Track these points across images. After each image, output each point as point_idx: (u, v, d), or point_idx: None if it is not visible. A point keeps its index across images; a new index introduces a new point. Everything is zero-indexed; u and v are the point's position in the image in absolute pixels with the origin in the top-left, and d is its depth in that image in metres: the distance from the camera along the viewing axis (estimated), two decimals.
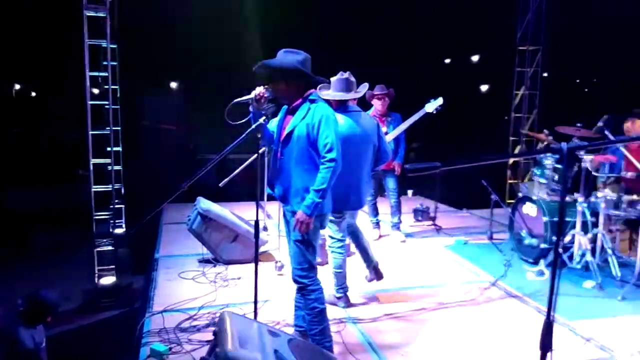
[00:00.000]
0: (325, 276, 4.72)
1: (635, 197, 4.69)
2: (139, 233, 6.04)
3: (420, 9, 10.84)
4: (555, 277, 1.49)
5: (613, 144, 3.94)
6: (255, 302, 3.04)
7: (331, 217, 3.69)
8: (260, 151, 3.36)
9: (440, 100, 5.37)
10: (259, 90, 2.94)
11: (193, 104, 11.43)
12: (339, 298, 4.06)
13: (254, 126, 2.66)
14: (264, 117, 2.77)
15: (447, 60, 15.55)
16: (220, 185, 4.72)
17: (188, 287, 4.40)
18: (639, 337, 3.58)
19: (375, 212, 6.15)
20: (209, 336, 3.15)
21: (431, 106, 5.38)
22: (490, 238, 6.02)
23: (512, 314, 4.00)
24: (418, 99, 5.55)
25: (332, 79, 3.80)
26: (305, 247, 3.05)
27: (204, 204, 4.88)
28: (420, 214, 7.04)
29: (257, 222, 2.93)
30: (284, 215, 3.24)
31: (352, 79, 3.85)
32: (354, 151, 3.70)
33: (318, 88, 3.54)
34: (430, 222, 6.78)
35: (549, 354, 1.58)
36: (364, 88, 4.02)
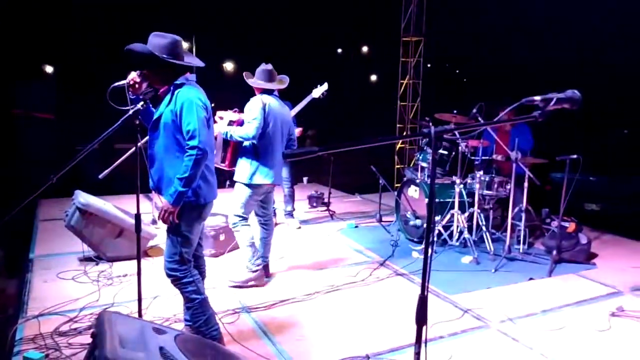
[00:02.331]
0: (224, 266, 4.67)
1: (505, 177, 5.16)
2: (9, 232, 5.47)
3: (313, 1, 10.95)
4: (427, 257, 1.57)
5: (477, 127, 4.29)
6: (139, 300, 2.89)
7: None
8: (143, 141, 3.18)
9: (325, 86, 5.54)
10: (133, 75, 2.78)
11: (72, 90, 10.54)
12: (253, 271, 4.19)
13: (130, 112, 2.49)
14: (142, 103, 2.60)
15: (339, 50, 15.88)
16: (100, 177, 4.41)
17: (68, 288, 4.09)
18: (509, 305, 3.95)
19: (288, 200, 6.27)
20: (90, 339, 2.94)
21: (317, 91, 5.54)
22: (380, 220, 6.30)
23: (399, 291, 4.22)
24: (310, 89, 5.64)
25: (257, 69, 4.22)
26: (178, 238, 2.93)
27: (82, 197, 4.53)
28: (315, 200, 7.18)
29: (137, 215, 2.77)
30: None
31: (274, 70, 4.26)
32: (281, 131, 4.20)
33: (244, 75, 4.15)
34: (325, 208, 6.93)
35: (424, 327, 1.67)
36: (287, 79, 4.37)
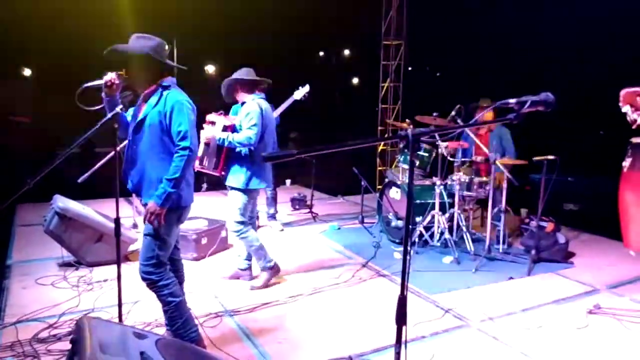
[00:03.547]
0: (206, 270, 4.64)
1: (484, 178, 5.24)
2: None
3: (294, 2, 10.94)
4: (406, 258, 1.59)
5: (455, 129, 4.39)
6: (120, 305, 2.87)
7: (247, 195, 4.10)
8: (122, 144, 3.16)
9: (307, 87, 5.58)
10: (110, 76, 2.75)
11: (50, 92, 10.35)
12: (271, 268, 4.28)
13: (109, 116, 2.47)
14: (120, 107, 2.58)
15: (321, 54, 15.91)
16: (79, 181, 4.35)
17: (47, 294, 4.02)
18: (489, 304, 4.01)
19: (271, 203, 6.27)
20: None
21: (299, 93, 5.58)
22: (362, 222, 6.33)
23: (382, 292, 4.25)
24: (291, 92, 5.66)
25: (238, 72, 4.18)
26: (156, 241, 2.90)
27: (61, 202, 4.47)
28: (298, 202, 7.19)
29: (117, 219, 2.74)
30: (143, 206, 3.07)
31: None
32: (272, 134, 4.28)
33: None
34: (307, 210, 6.94)
35: (404, 327, 1.69)
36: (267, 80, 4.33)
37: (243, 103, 4.18)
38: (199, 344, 3.07)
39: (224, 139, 3.97)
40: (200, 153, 4.04)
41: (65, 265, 4.60)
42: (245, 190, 4.08)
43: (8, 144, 9.34)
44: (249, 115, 4.01)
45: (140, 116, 2.88)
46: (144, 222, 2.88)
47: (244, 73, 4.17)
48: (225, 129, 4.03)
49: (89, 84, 2.70)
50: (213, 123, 4.09)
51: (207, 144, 4.06)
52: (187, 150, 2.79)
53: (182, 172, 2.78)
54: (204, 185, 8.22)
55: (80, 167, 4.81)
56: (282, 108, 5.62)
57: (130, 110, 3.06)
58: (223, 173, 4.10)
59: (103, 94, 2.78)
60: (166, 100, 2.83)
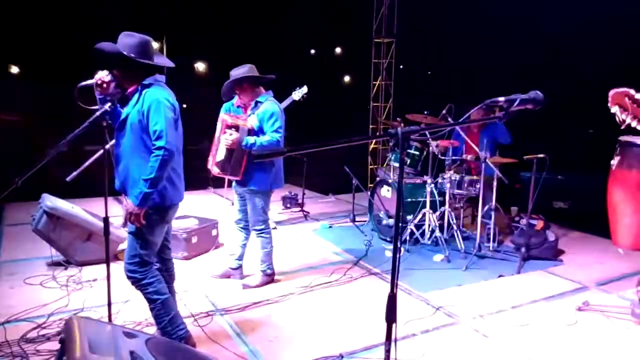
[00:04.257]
0: (196, 269, 4.63)
1: (475, 177, 5.26)
2: None
3: (286, 1, 10.94)
4: (396, 256, 1.59)
5: (444, 127, 4.40)
6: (109, 304, 2.85)
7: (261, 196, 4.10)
8: (111, 143, 3.13)
9: (305, 88, 5.56)
10: (101, 74, 2.73)
11: (38, 90, 10.26)
12: (269, 275, 4.33)
13: (97, 114, 2.44)
14: (109, 104, 2.56)
15: (312, 51, 15.89)
16: (68, 179, 4.31)
17: (35, 294, 3.99)
18: (480, 301, 4.03)
19: None
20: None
21: (297, 94, 5.56)
22: (353, 220, 6.34)
23: (373, 291, 4.25)
24: (283, 90, 5.64)
25: (240, 70, 4.00)
26: (139, 240, 2.90)
27: (49, 201, 4.43)
28: (289, 201, 7.18)
29: (106, 218, 2.72)
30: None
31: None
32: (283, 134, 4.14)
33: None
34: (299, 209, 6.93)
35: (394, 325, 1.69)
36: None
37: (257, 102, 4.06)
38: (188, 341, 3.06)
39: (252, 143, 3.88)
40: (220, 158, 4.00)
41: (54, 264, 4.56)
42: (268, 192, 4.15)
43: None
44: (272, 117, 3.93)
45: (122, 115, 2.87)
46: (127, 222, 2.88)
47: (249, 70, 4.01)
48: (248, 133, 3.95)
49: (83, 83, 2.68)
50: (236, 127, 3.93)
51: (230, 150, 3.94)
52: (162, 150, 2.75)
53: (158, 172, 2.75)
54: (211, 188, 8.23)
55: (69, 166, 4.77)
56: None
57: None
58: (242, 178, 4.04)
59: (96, 93, 2.76)
60: (144, 98, 2.81)
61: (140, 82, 2.86)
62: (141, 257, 2.91)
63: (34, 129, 10.22)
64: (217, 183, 7.79)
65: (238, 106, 4.17)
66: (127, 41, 2.79)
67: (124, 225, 5.62)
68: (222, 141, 3.96)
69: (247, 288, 4.22)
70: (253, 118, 3.99)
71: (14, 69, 12.06)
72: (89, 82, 2.71)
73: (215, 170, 4.08)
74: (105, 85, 2.75)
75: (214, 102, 4.39)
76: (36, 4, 8.86)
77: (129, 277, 2.95)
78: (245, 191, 4.13)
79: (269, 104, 3.99)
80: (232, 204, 6.93)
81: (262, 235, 4.23)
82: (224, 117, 4.04)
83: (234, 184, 4.23)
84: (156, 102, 2.78)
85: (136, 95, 2.85)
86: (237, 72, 4.00)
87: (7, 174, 2.68)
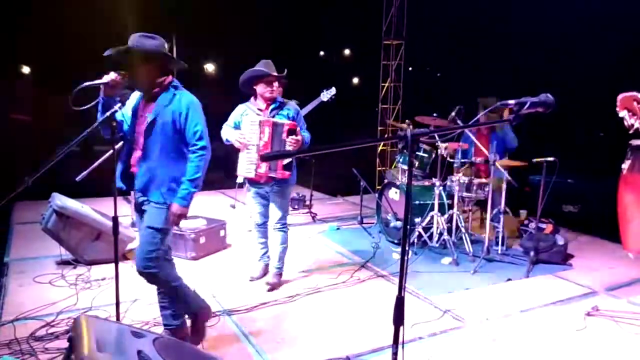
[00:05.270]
0: (204, 269, 4.64)
1: (484, 180, 5.23)
2: None
3: (295, 2, 10.95)
4: (404, 258, 1.58)
5: (453, 130, 4.40)
6: (117, 303, 2.86)
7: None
8: (120, 143, 3.14)
9: (333, 90, 5.58)
10: (113, 76, 2.71)
11: (49, 91, 10.34)
12: (281, 274, 4.38)
13: (108, 114, 2.45)
14: (119, 104, 2.56)
15: (322, 53, 15.89)
16: (77, 179, 4.34)
17: (45, 292, 4.02)
18: (487, 305, 4.01)
19: None
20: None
21: (326, 95, 5.58)
22: (361, 222, 6.33)
23: (380, 293, 4.24)
24: (293, 91, 5.64)
25: (263, 67, 4.00)
26: (162, 236, 2.94)
27: (59, 200, 4.47)
28: (297, 202, 7.18)
29: (115, 217, 2.74)
30: (137, 205, 3.05)
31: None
32: None
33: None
34: (307, 210, 6.94)
35: (401, 328, 1.68)
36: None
37: (280, 102, 4.09)
38: (208, 310, 3.18)
39: (307, 142, 4.05)
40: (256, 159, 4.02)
41: (63, 263, 4.60)
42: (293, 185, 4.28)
43: (6, 143, 9.32)
44: (303, 118, 4.19)
45: (150, 116, 2.85)
46: (164, 224, 2.90)
47: (269, 66, 4.02)
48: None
49: (88, 83, 2.66)
50: (294, 130, 3.97)
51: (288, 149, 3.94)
52: (204, 150, 2.87)
53: (202, 171, 2.87)
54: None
55: (79, 166, 4.80)
56: (308, 108, 5.61)
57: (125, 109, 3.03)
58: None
59: (101, 93, 2.75)
60: (180, 100, 2.86)
61: (169, 83, 2.90)
62: (159, 252, 2.94)
63: (44, 129, 10.31)
64: (226, 184, 7.81)
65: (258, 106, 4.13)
66: (152, 42, 2.80)
67: (133, 224, 5.65)
68: (286, 144, 3.90)
69: (273, 290, 4.23)
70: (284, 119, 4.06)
71: (25, 69, 12.16)
72: (97, 82, 2.69)
73: (262, 169, 3.97)
74: (118, 86, 2.73)
75: (221, 104, 4.40)
76: (45, 5, 8.94)
77: (144, 273, 2.94)
78: (277, 186, 4.12)
79: (294, 104, 4.16)
80: (234, 207, 6.95)
81: (285, 229, 4.29)
82: (278, 121, 3.97)
83: (252, 188, 4.21)
84: (194, 104, 2.88)
85: (167, 96, 2.87)
86: (270, 68, 4.01)
87: (18, 173, 2.70)
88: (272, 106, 4.08)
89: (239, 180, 4.31)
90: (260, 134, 3.95)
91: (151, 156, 2.89)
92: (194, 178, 2.85)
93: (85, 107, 2.54)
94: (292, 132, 3.93)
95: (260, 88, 4.03)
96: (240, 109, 4.18)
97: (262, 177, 4.04)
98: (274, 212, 4.23)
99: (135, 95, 3.02)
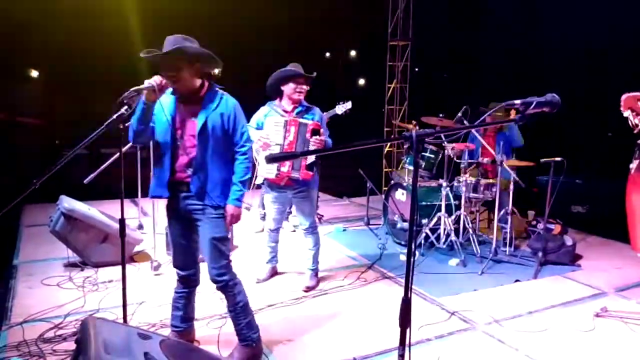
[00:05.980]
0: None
1: (491, 180, 5.21)
2: None
3: (301, 3, 10.95)
4: (410, 260, 1.58)
5: (459, 130, 4.38)
6: (124, 305, 2.86)
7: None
8: (128, 146, 3.15)
9: (349, 104, 5.46)
10: (158, 79, 2.60)
11: (57, 94, 10.41)
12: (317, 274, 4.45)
13: (114, 116, 2.44)
14: (126, 107, 2.54)
15: (328, 55, 15.90)
16: (85, 182, 4.36)
17: (53, 294, 4.04)
18: (496, 306, 3.98)
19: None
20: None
21: (341, 108, 5.48)
22: (367, 224, 6.32)
23: (387, 295, 4.23)
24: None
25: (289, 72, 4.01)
26: (226, 243, 2.97)
27: (67, 202, 4.49)
28: None
29: (122, 220, 2.75)
30: (182, 212, 2.94)
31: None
32: None
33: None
34: None
35: (407, 330, 1.67)
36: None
37: (306, 106, 4.10)
38: (258, 344, 3.11)
39: (329, 145, 4.04)
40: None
41: (71, 265, 4.62)
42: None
43: (15, 145, 9.40)
44: (325, 124, 4.20)
45: (200, 119, 2.80)
46: (218, 227, 2.89)
47: (298, 68, 4.04)
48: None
49: (138, 87, 2.54)
50: (318, 131, 3.97)
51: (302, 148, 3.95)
52: (250, 150, 2.95)
53: (250, 172, 2.94)
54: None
55: (87, 168, 4.83)
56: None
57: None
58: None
59: (142, 98, 2.63)
60: (227, 102, 2.88)
61: (212, 85, 2.90)
62: (229, 258, 2.97)
63: (52, 132, 10.39)
64: None
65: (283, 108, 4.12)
66: (194, 45, 2.77)
67: (140, 227, 5.68)
68: (310, 144, 3.91)
69: (310, 289, 4.26)
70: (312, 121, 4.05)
71: (34, 73, 12.26)
72: (145, 86, 2.57)
73: (284, 170, 3.95)
74: (163, 88, 2.66)
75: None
76: (52, 8, 9.00)
77: (218, 282, 2.95)
78: (301, 191, 4.13)
79: (319, 110, 4.19)
80: (249, 209, 6.95)
81: (316, 231, 4.35)
82: (303, 121, 3.98)
83: (273, 192, 4.19)
84: (238, 105, 2.94)
85: (213, 99, 2.86)
86: (300, 70, 4.02)
87: (26, 175, 2.71)
88: (297, 109, 4.07)
89: (258, 181, 4.27)
90: (285, 133, 3.94)
91: (205, 160, 2.84)
92: (244, 179, 2.90)
93: (127, 114, 2.46)
94: (316, 132, 3.92)
95: (288, 88, 4.02)
96: (264, 109, 4.16)
97: (283, 179, 4.00)
98: (303, 219, 4.26)
99: (165, 100, 2.84)
